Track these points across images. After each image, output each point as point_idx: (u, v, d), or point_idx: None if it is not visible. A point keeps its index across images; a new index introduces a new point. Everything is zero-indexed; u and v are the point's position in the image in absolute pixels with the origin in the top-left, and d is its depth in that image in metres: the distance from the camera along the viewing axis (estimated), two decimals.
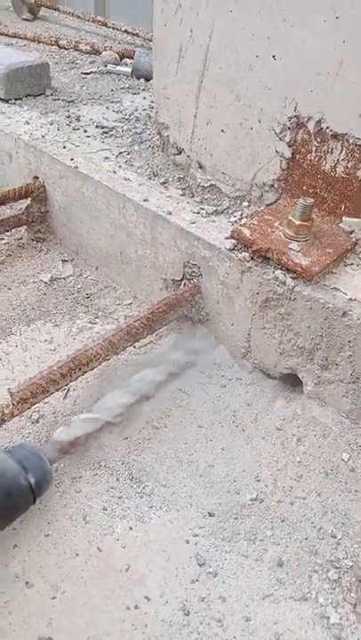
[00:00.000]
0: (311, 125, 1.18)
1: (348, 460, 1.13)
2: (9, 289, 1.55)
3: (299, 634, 0.87)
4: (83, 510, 1.02)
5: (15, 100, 1.94)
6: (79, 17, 2.98)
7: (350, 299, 1.09)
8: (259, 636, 0.86)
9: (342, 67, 1.07)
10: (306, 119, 1.18)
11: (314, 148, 1.20)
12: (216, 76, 1.30)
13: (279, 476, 1.10)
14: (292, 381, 1.27)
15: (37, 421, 1.17)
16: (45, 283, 1.58)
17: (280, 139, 1.24)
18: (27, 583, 0.91)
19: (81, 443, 1.09)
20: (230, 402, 1.25)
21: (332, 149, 1.18)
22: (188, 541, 0.99)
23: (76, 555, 0.95)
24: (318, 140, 1.19)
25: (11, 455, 0.96)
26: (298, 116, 1.20)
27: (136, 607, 0.89)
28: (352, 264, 1.18)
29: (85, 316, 1.48)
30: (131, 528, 1.00)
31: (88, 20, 2.95)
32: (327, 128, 1.16)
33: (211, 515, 1.03)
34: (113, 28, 2.86)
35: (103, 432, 1.14)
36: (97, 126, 1.77)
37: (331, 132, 1.16)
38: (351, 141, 1.14)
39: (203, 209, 1.37)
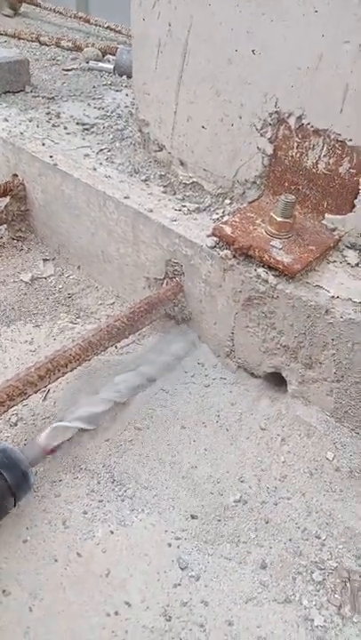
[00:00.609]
0: (292, 121, 1.17)
1: (333, 459, 1.11)
2: None
3: (282, 637, 0.86)
4: (62, 515, 1.00)
5: None
6: (61, 13, 2.94)
7: (333, 296, 1.08)
8: None
9: (322, 61, 1.06)
10: (287, 115, 1.17)
11: (295, 145, 1.19)
12: (196, 71, 1.28)
13: (263, 477, 1.09)
14: (276, 380, 1.26)
15: (16, 424, 1.14)
16: (26, 282, 1.55)
17: (261, 135, 1.23)
18: (4, 591, 0.88)
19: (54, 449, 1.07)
20: (214, 402, 1.24)
21: (313, 145, 1.16)
22: (170, 545, 0.97)
23: (55, 560, 0.93)
24: (300, 135, 1.17)
25: None
26: (278, 111, 1.18)
27: (116, 613, 0.87)
28: (335, 261, 1.17)
29: (67, 317, 1.45)
30: (112, 532, 0.98)
31: (70, 17, 2.91)
32: (308, 124, 1.15)
33: (193, 517, 1.01)
34: (95, 25, 2.82)
35: (84, 434, 1.12)
36: (77, 123, 1.75)
37: (312, 128, 1.15)
38: (332, 137, 1.12)
39: (184, 206, 1.35)
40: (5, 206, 1.65)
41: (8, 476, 0.93)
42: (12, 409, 1.09)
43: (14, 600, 0.88)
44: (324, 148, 1.15)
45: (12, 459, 0.96)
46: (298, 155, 1.20)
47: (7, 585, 0.89)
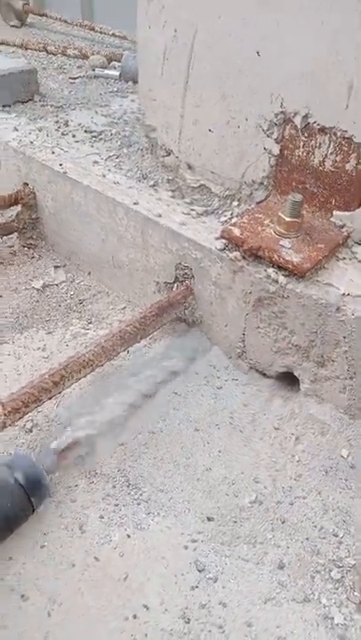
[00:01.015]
0: (298, 120, 1.17)
1: (348, 456, 1.11)
2: (1, 296, 1.54)
3: (302, 636, 0.85)
4: (79, 520, 1.00)
5: (3, 106, 1.93)
6: (66, 22, 2.98)
7: (343, 294, 1.07)
8: None
9: (327, 57, 1.05)
10: (292, 114, 1.17)
11: (302, 144, 1.19)
12: (201, 75, 1.28)
13: (278, 477, 1.08)
14: (288, 380, 1.25)
15: (31, 431, 1.15)
16: (38, 290, 1.57)
17: (267, 135, 1.23)
18: (22, 596, 0.89)
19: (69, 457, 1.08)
20: (227, 403, 1.24)
21: (319, 144, 1.16)
22: (186, 547, 0.97)
23: (73, 565, 0.94)
24: (306, 134, 1.17)
25: (9, 469, 0.95)
26: (284, 111, 1.18)
27: (135, 617, 0.87)
28: (344, 258, 1.17)
29: (79, 323, 1.46)
30: (128, 536, 0.98)
31: (76, 25, 2.95)
32: (314, 122, 1.15)
33: (209, 519, 1.01)
34: (100, 32, 2.85)
35: (98, 439, 1.13)
36: (86, 131, 1.76)
37: (318, 127, 1.15)
38: (339, 134, 1.12)
39: (193, 210, 1.36)
40: (17, 215, 1.67)
41: (26, 485, 0.94)
42: (28, 415, 1.11)
43: (33, 605, 0.88)
44: (331, 146, 1.15)
45: (29, 467, 0.97)
46: (304, 154, 1.20)
47: (26, 590, 0.90)
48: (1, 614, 0.86)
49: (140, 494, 1.04)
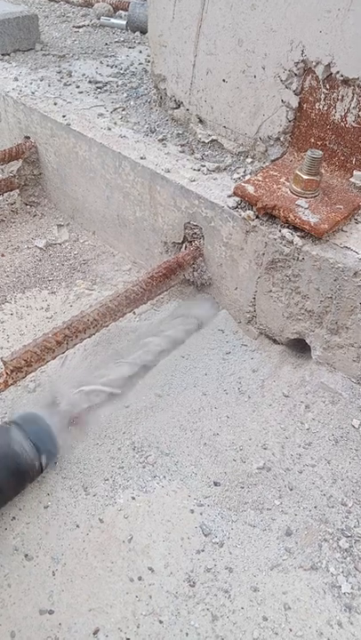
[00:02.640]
0: (320, 70, 1.09)
1: (359, 426, 1.08)
2: (2, 255, 1.48)
3: (309, 603, 0.84)
4: (83, 481, 0.98)
5: (2, 55, 1.84)
6: None
7: None
8: (267, 607, 0.84)
9: (354, 1, 0.98)
10: (314, 64, 1.09)
11: (323, 96, 1.12)
12: (216, 18, 1.20)
13: (287, 444, 1.06)
14: (299, 347, 1.22)
15: (34, 390, 1.12)
16: (40, 249, 1.51)
17: (286, 87, 1.16)
18: (26, 556, 0.88)
19: (82, 416, 1.06)
20: (235, 369, 1.20)
21: (342, 97, 1.09)
22: (192, 511, 0.95)
23: (77, 526, 0.92)
24: (327, 86, 1.10)
25: (20, 429, 0.93)
26: (305, 60, 1.10)
27: (140, 579, 0.86)
28: None
29: (83, 283, 1.42)
30: (133, 498, 0.96)
31: None
32: (337, 73, 1.08)
33: (216, 484, 0.99)
34: None
35: (104, 401, 1.10)
36: (90, 81, 1.68)
37: (341, 78, 1.08)
38: None
39: (203, 166, 1.29)
40: (18, 170, 1.60)
41: (37, 444, 0.92)
42: (30, 375, 1.07)
43: (37, 565, 0.87)
44: (354, 99, 1.08)
45: (40, 426, 0.95)
46: (325, 107, 1.13)
47: (30, 550, 0.88)
48: (5, 573, 0.85)
49: (146, 457, 1.02)
